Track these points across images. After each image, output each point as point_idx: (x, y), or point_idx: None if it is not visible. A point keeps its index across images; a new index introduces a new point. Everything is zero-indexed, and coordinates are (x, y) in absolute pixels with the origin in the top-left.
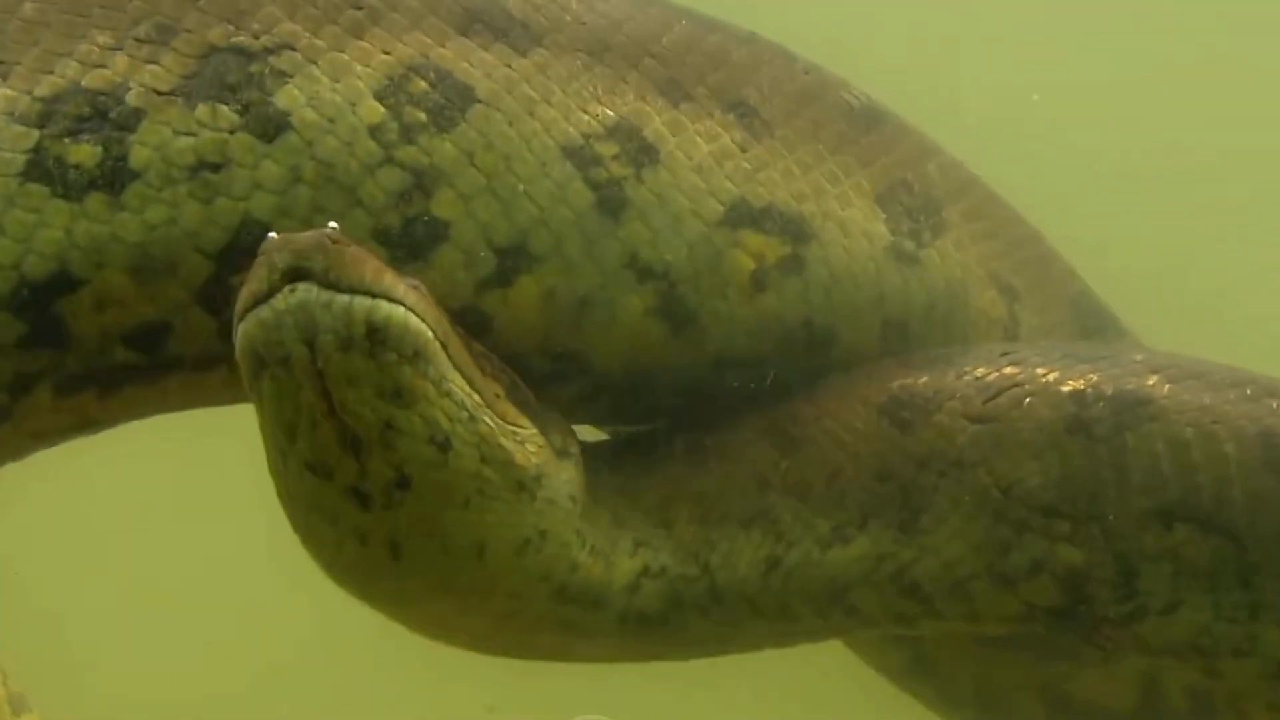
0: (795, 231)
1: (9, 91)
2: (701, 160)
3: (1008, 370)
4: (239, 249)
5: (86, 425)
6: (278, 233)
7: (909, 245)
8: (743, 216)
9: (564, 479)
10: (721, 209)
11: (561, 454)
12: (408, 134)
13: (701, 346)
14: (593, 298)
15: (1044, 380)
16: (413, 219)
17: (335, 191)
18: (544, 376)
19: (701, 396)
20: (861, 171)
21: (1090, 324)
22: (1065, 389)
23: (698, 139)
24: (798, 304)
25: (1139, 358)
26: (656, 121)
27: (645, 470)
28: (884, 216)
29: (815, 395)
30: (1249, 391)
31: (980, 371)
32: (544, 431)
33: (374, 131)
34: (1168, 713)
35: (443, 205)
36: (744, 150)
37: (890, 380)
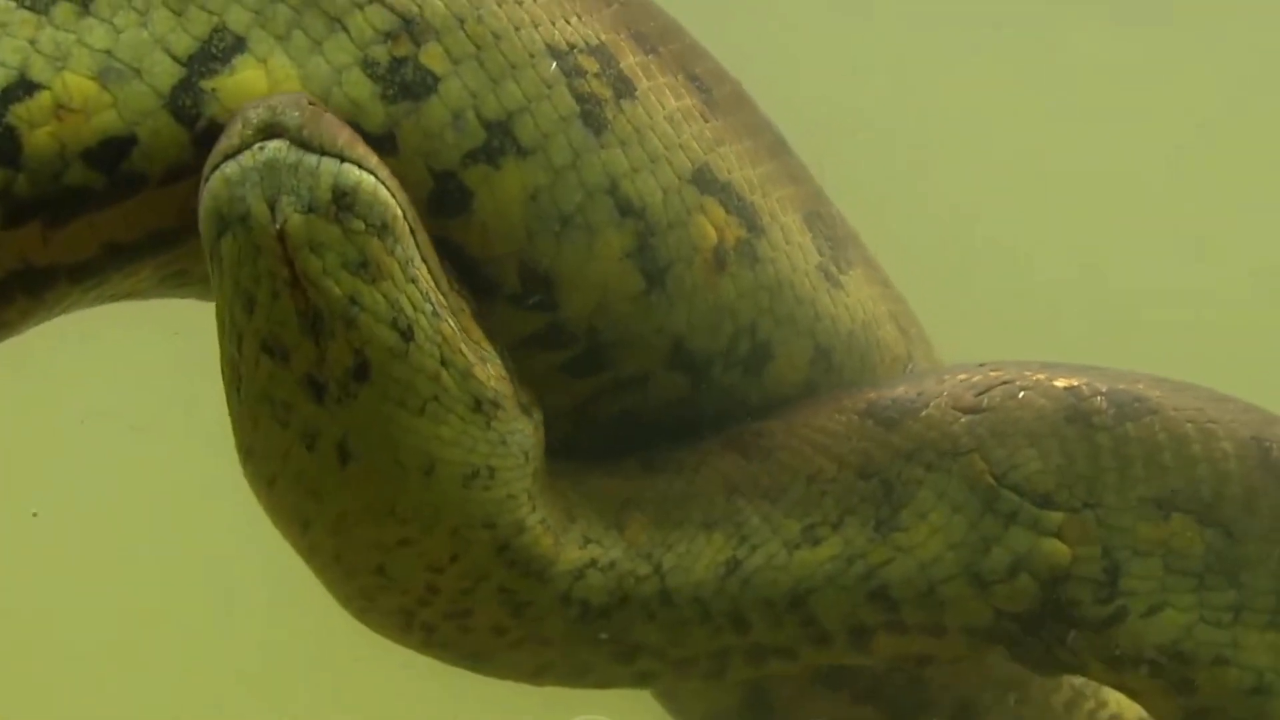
0: (749, 220)
1: None
2: (671, 112)
3: (993, 374)
4: (210, 54)
5: (23, 279)
6: (253, 44)
7: (833, 269)
8: (708, 183)
9: (519, 427)
10: (691, 166)
11: (523, 407)
12: None
13: (665, 318)
14: (575, 219)
15: (1035, 378)
16: (401, 59)
17: (318, 15)
18: (509, 297)
19: (647, 411)
20: (789, 186)
21: None
22: (1059, 384)
23: (666, 91)
24: (749, 301)
25: (1121, 370)
26: (630, 58)
27: (606, 474)
28: (811, 235)
29: (781, 414)
30: (1233, 404)
31: (962, 376)
32: (509, 377)
33: None
34: None
35: (431, 57)
36: (705, 120)
37: (865, 394)
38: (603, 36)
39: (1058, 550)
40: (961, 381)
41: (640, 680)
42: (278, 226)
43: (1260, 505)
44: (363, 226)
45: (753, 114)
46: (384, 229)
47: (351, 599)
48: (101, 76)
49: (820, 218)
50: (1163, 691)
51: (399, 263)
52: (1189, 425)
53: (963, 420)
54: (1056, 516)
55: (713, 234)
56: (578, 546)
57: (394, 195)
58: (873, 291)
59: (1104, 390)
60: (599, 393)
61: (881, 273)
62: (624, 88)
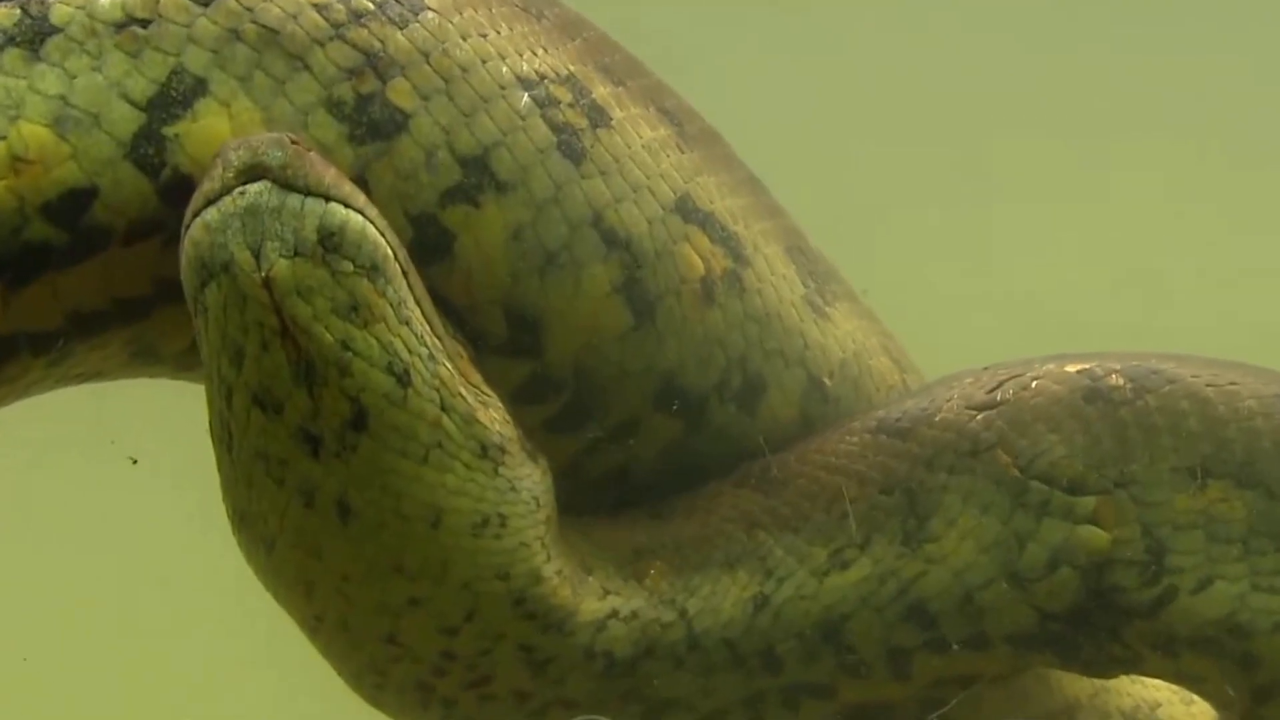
0: (734, 250)
1: None
2: (648, 141)
3: (1000, 372)
4: (170, 99)
5: None
6: (214, 86)
7: (818, 300)
8: (691, 213)
9: (528, 472)
10: (673, 195)
11: (529, 452)
12: (357, 17)
13: (655, 355)
14: (559, 256)
15: (1045, 367)
16: (368, 97)
17: (279, 55)
18: (497, 345)
19: (642, 463)
20: (769, 220)
21: None
22: (1071, 369)
23: (641, 121)
24: (738, 333)
25: (1128, 351)
26: (601, 89)
27: (613, 527)
28: (794, 267)
29: (790, 447)
30: (1248, 367)
31: (969, 380)
32: (513, 421)
33: (319, 9)
34: None
35: (399, 93)
36: (681, 151)
37: (873, 414)
38: (571, 68)
39: (1095, 536)
40: (970, 383)
41: None
42: (263, 274)
43: None
44: (351, 268)
45: (725, 149)
46: (374, 270)
47: (363, 674)
48: (58, 125)
49: (801, 252)
50: (1226, 673)
51: (391, 305)
52: (1209, 389)
53: (979, 417)
54: (1089, 501)
55: (699, 264)
56: (597, 597)
57: (384, 235)
58: (861, 324)
59: (1118, 368)
60: (591, 448)
61: (866, 307)
62: (599, 117)
